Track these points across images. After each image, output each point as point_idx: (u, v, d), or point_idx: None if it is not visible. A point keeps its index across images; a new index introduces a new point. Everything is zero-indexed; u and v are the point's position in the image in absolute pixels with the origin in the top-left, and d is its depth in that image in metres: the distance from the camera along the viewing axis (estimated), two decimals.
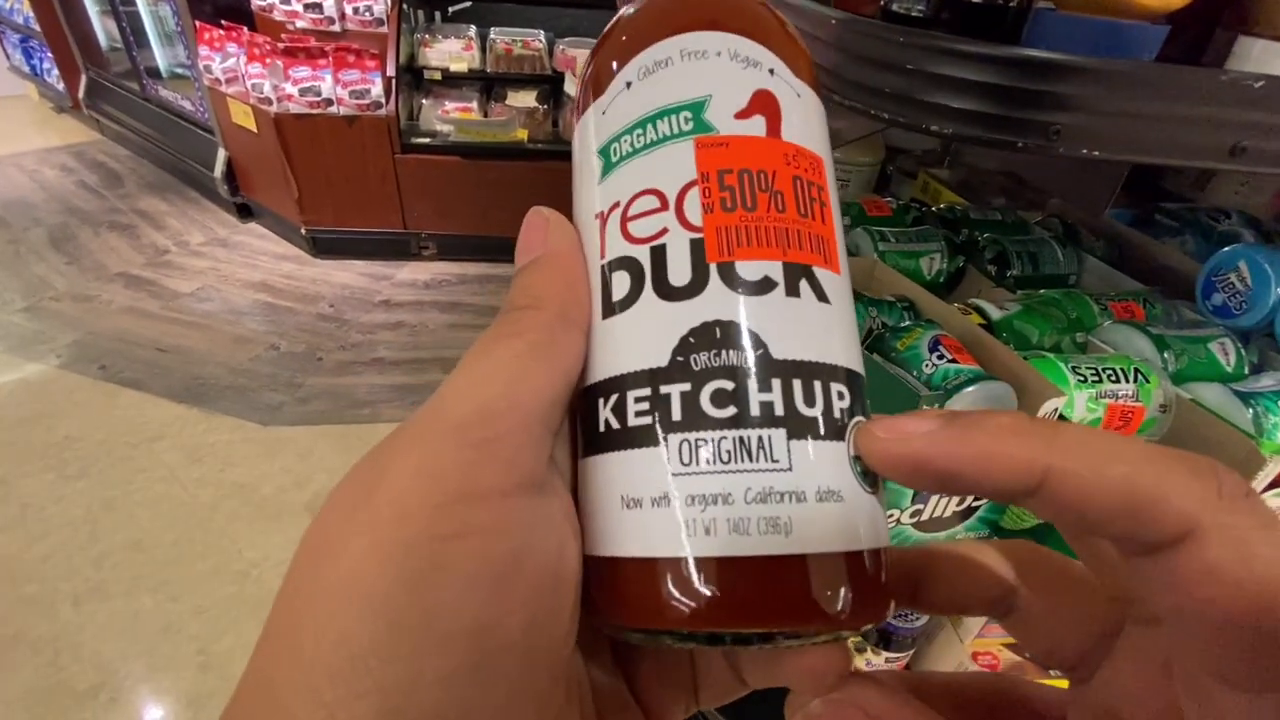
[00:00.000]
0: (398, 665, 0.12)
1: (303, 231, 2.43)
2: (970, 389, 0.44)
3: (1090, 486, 0.11)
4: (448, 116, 2.41)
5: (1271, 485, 0.44)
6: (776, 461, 0.14)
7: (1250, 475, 0.42)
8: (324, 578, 0.13)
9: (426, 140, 2.35)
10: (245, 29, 2.29)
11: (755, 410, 0.14)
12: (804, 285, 0.15)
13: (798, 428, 0.14)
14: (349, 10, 2.30)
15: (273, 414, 1.79)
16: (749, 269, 0.15)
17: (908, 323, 0.52)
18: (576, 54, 2.46)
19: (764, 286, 0.14)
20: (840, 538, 0.14)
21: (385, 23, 2.30)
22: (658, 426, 0.14)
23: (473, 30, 2.43)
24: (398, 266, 2.51)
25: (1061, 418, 0.43)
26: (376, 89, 2.23)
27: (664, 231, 0.15)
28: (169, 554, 1.40)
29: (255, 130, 2.29)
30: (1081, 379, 0.46)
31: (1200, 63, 0.46)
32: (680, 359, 0.14)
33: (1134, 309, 0.58)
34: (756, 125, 0.15)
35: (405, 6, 2.33)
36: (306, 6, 2.27)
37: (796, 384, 0.14)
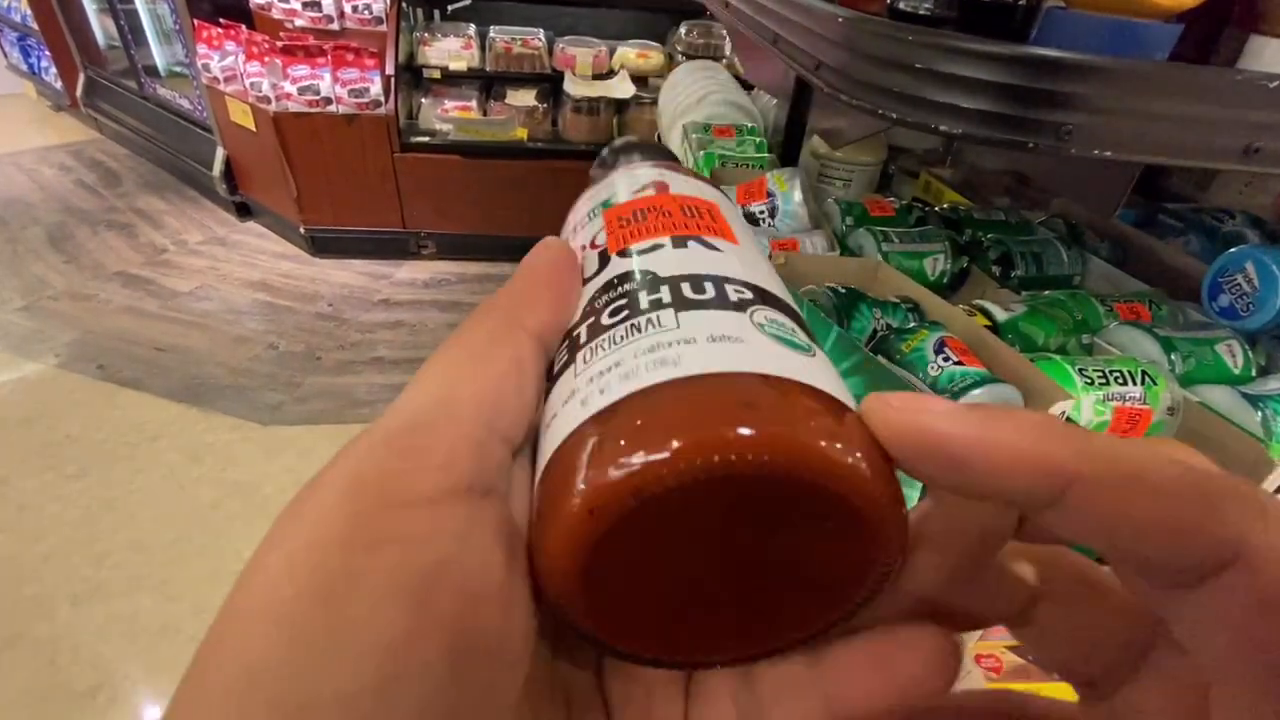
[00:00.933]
0: (295, 681, 0.11)
1: (301, 230, 2.43)
2: (977, 391, 0.44)
3: (1124, 501, 0.10)
4: (447, 115, 2.40)
5: None
6: (664, 326, 0.14)
7: (1259, 479, 0.41)
8: (240, 593, 0.12)
9: (426, 139, 2.34)
10: (244, 27, 2.28)
11: (644, 305, 0.15)
12: (691, 243, 0.17)
13: (686, 305, 0.15)
14: (348, 9, 2.29)
15: (272, 413, 1.78)
16: (639, 245, 0.17)
17: (913, 324, 0.52)
18: (576, 52, 2.45)
19: (653, 249, 0.17)
20: (737, 361, 0.13)
21: (384, 21, 2.29)
22: (568, 354, 0.16)
23: (472, 29, 2.42)
24: (397, 265, 2.51)
25: (1069, 421, 0.43)
26: (375, 88, 2.22)
27: (583, 249, 0.19)
28: (168, 554, 1.39)
29: (254, 129, 2.28)
30: (1089, 381, 0.46)
31: (1209, 62, 0.46)
32: (588, 309, 0.16)
33: (1140, 310, 0.57)
34: (648, 190, 0.20)
35: (404, 5, 2.32)
36: (305, 5, 2.26)
37: (684, 285, 0.15)
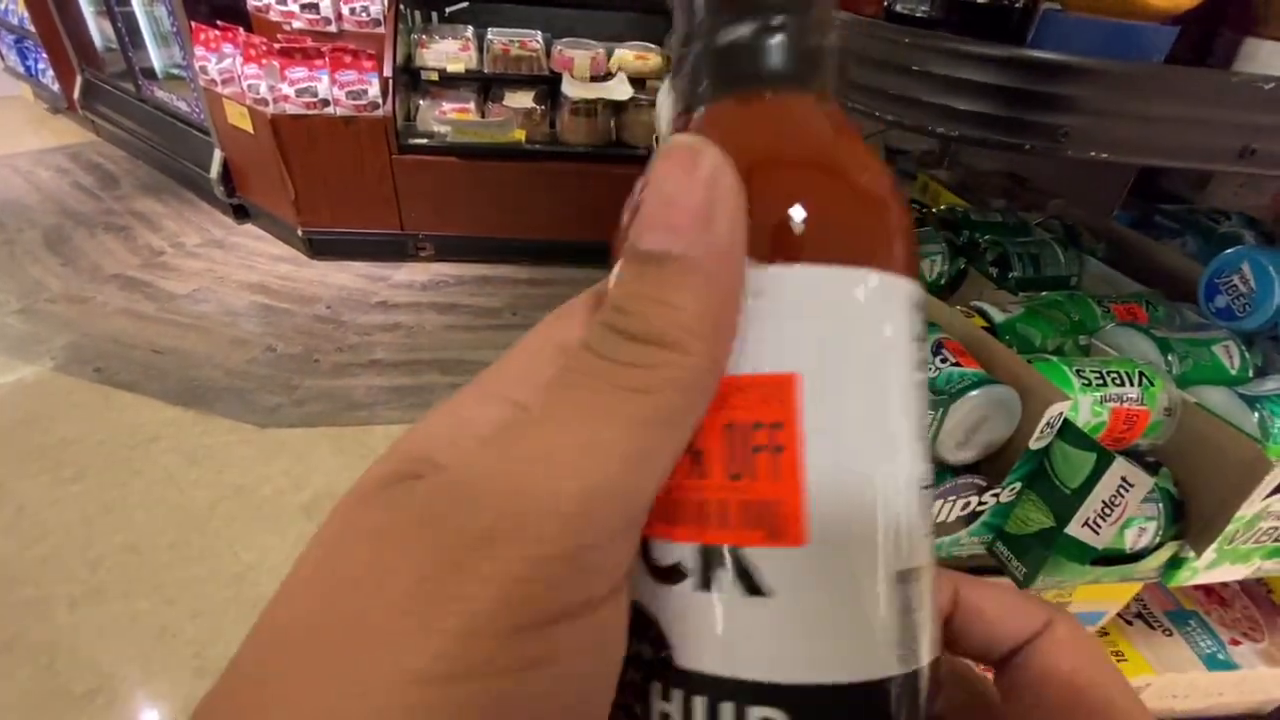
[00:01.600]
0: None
1: (299, 232, 2.42)
2: (974, 393, 0.44)
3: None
4: (445, 117, 2.40)
5: (1278, 489, 0.44)
6: None
7: (1257, 479, 0.41)
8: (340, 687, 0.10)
9: (424, 141, 2.34)
10: (241, 30, 2.28)
11: None
12: (720, 573, 0.12)
13: None
14: (345, 11, 2.29)
15: (270, 416, 1.78)
16: (661, 550, 0.12)
17: None
18: (574, 54, 2.45)
19: (673, 575, 0.12)
20: None
21: (382, 23, 2.29)
22: None
23: (470, 31, 2.42)
24: (395, 267, 2.51)
25: (1066, 422, 0.43)
26: (373, 90, 2.22)
27: None
28: (165, 557, 1.39)
29: (251, 131, 2.28)
30: (1086, 382, 0.46)
31: (1205, 64, 0.46)
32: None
33: (1136, 311, 0.57)
34: None
35: (402, 7, 2.32)
36: (303, 7, 2.26)
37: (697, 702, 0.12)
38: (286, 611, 0.12)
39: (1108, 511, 0.41)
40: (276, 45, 2.13)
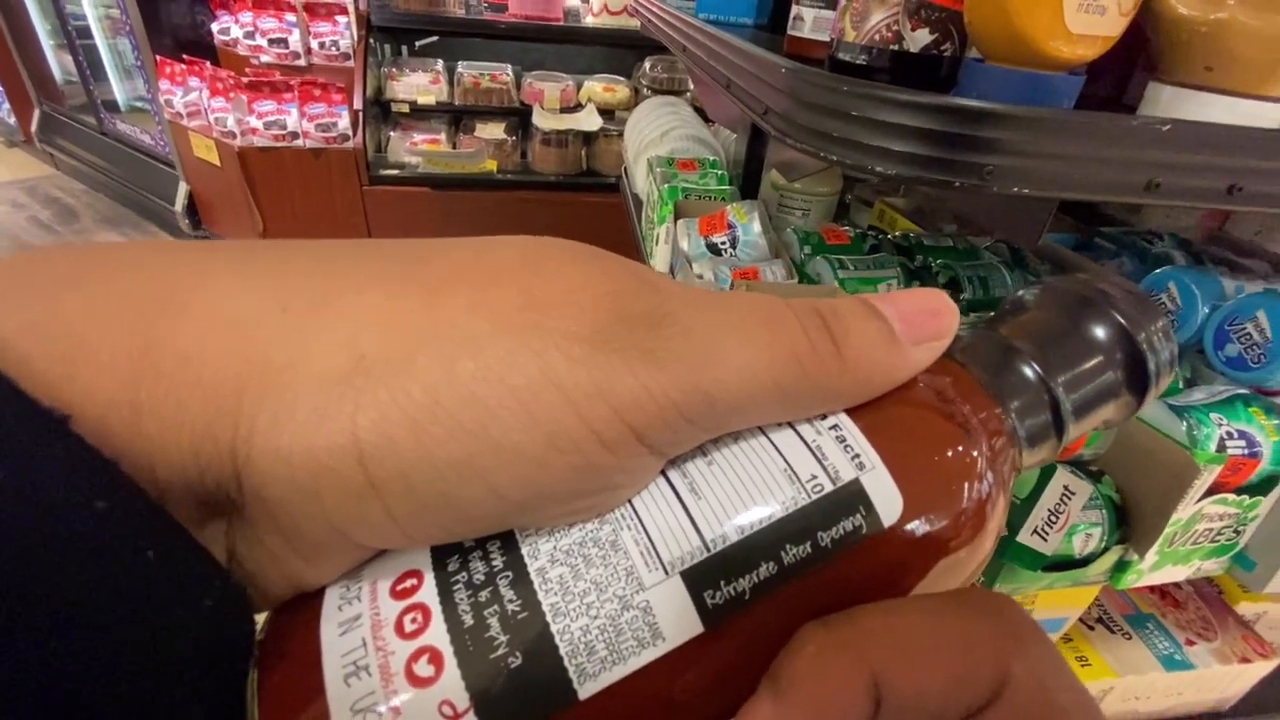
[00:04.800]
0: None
1: None
2: None
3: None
4: (416, 148, 2.42)
5: (1208, 493, 0.47)
6: None
7: (1187, 484, 0.44)
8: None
9: (395, 172, 2.36)
10: (208, 63, 2.28)
11: None
12: None
13: None
14: (315, 45, 2.31)
15: None
16: None
17: None
18: (544, 86, 2.50)
19: None
20: None
21: (351, 57, 2.31)
22: None
23: (440, 64, 2.46)
24: None
25: None
26: (343, 122, 2.23)
27: None
28: None
29: (218, 163, 2.27)
30: None
31: (1122, 101, 0.50)
32: None
33: None
34: None
35: (372, 41, 2.35)
36: (271, 42, 2.28)
37: None
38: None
39: (1053, 519, 0.44)
40: (244, 79, 2.14)
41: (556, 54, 2.69)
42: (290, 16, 2.24)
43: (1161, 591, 0.85)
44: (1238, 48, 0.36)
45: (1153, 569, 0.51)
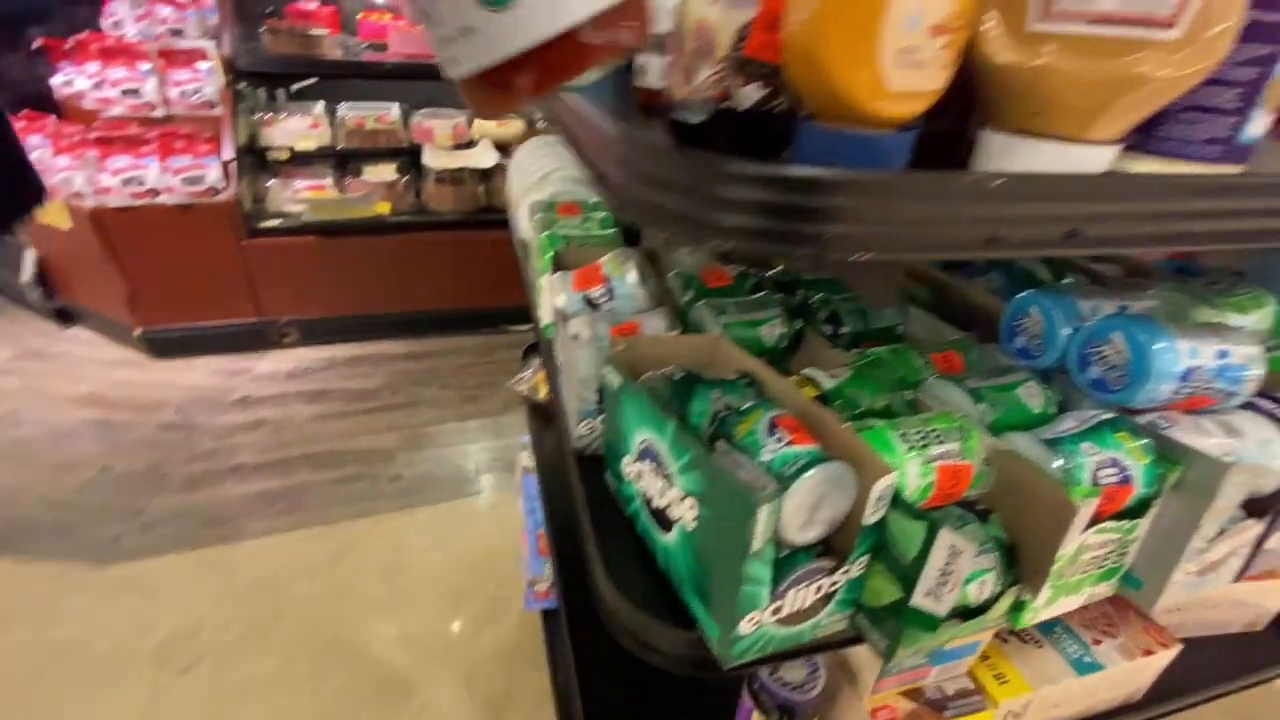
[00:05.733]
0: None
1: (137, 332, 2.18)
2: (810, 473, 0.44)
3: None
4: (299, 196, 2.29)
5: (1090, 525, 0.47)
6: None
7: (1066, 523, 0.44)
8: None
9: (277, 223, 2.21)
10: (52, 118, 2.07)
11: None
12: None
13: None
14: (174, 94, 2.14)
15: (108, 550, 1.55)
16: None
17: (749, 403, 0.52)
18: (434, 124, 2.43)
19: None
20: None
21: (216, 104, 2.15)
22: None
23: (320, 107, 2.34)
24: (256, 358, 2.31)
25: (896, 494, 0.44)
26: (213, 173, 2.07)
27: None
28: None
29: (69, 227, 2.05)
30: (910, 445, 0.47)
31: (959, 156, 0.50)
32: None
33: (953, 359, 0.61)
34: None
35: (242, 86, 2.20)
36: (124, 93, 2.09)
37: None
38: None
39: (944, 579, 0.42)
40: (92, 134, 1.95)
41: (445, 90, 2.61)
42: (143, 64, 2.07)
43: None
44: (1060, 94, 0.36)
45: (1047, 604, 0.50)
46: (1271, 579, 0.89)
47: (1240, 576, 0.57)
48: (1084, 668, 0.77)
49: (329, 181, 2.36)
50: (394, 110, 2.41)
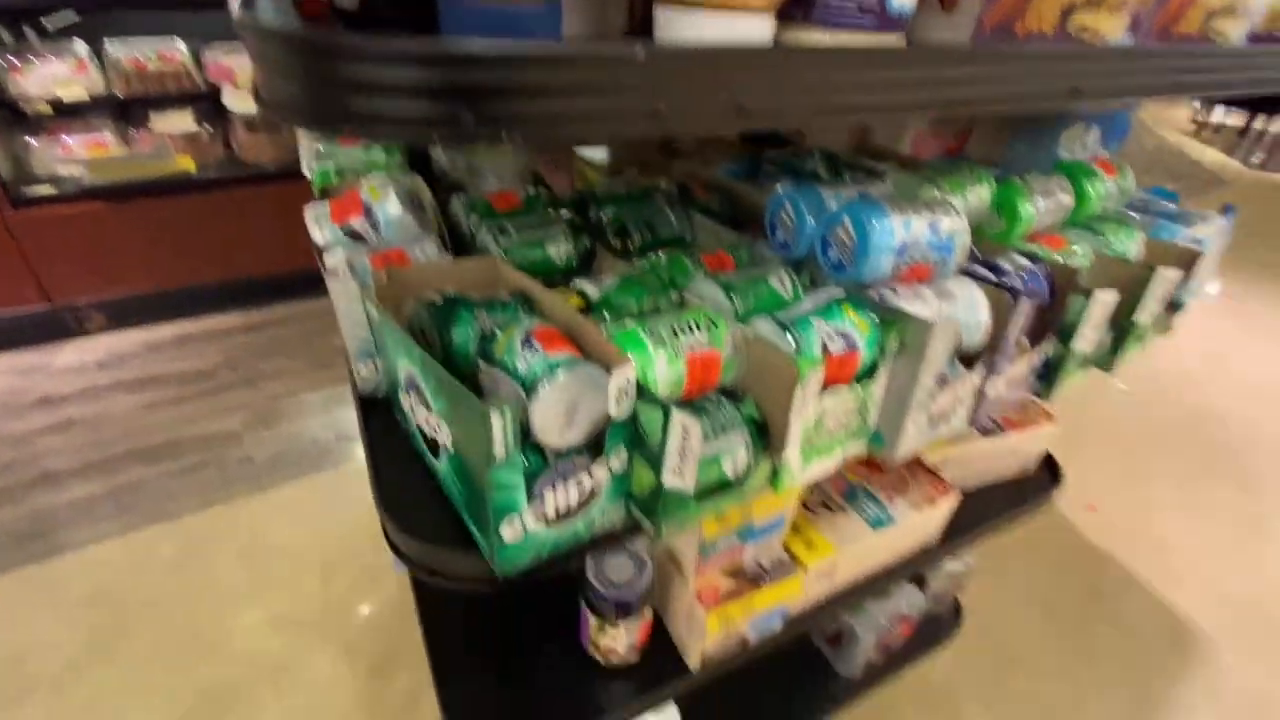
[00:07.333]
0: None
1: None
2: (553, 378, 0.44)
3: None
4: (73, 155, 1.96)
5: (826, 391, 0.52)
6: None
7: (793, 389, 0.48)
8: None
9: (48, 190, 1.89)
10: None
11: None
12: None
13: None
14: None
15: None
16: None
17: (508, 320, 0.52)
18: (233, 61, 2.14)
19: None
20: None
21: None
22: None
23: (82, 48, 1.98)
24: (53, 351, 2.02)
25: (641, 385, 0.46)
26: None
27: None
28: None
29: None
30: (659, 340, 0.49)
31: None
32: None
33: (724, 259, 0.64)
34: None
35: None
36: None
37: None
38: None
39: (683, 458, 0.45)
40: None
41: None
42: None
43: (868, 461, 0.98)
44: None
45: (803, 468, 0.56)
46: (1034, 427, 1.05)
47: (971, 421, 0.66)
48: (879, 523, 0.88)
49: (109, 136, 2.03)
50: (179, 46, 2.09)
